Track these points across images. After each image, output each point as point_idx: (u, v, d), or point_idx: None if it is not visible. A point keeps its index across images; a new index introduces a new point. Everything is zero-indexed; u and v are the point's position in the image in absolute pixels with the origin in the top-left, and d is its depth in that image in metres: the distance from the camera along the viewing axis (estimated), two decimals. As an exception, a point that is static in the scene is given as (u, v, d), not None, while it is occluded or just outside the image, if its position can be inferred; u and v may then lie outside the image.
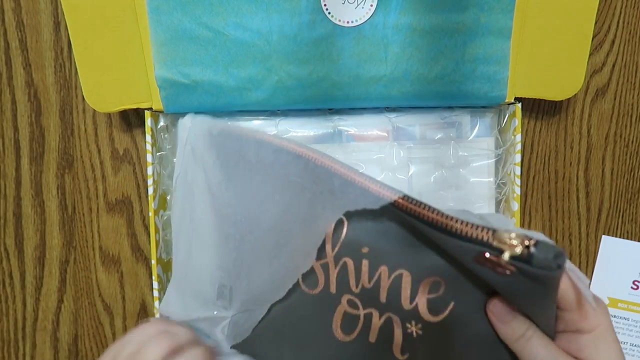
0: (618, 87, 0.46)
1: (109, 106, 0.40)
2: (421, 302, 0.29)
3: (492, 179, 0.43)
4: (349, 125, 0.43)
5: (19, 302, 0.47)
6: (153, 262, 0.41)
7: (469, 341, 0.30)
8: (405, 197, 0.28)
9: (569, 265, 0.26)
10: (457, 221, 0.26)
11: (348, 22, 0.36)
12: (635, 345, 0.47)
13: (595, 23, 0.39)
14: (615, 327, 0.46)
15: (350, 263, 0.31)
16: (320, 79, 0.37)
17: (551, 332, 0.29)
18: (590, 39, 0.38)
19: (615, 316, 0.46)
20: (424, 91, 0.38)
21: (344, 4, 0.36)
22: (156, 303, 0.42)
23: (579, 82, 0.40)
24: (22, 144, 0.46)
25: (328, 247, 0.31)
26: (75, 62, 0.39)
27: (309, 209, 0.31)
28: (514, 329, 0.29)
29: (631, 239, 0.47)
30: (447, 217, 0.26)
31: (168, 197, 0.44)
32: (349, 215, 0.30)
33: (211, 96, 0.38)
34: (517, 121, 0.41)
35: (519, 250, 0.24)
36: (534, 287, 0.26)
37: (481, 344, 0.30)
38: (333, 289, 0.31)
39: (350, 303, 0.31)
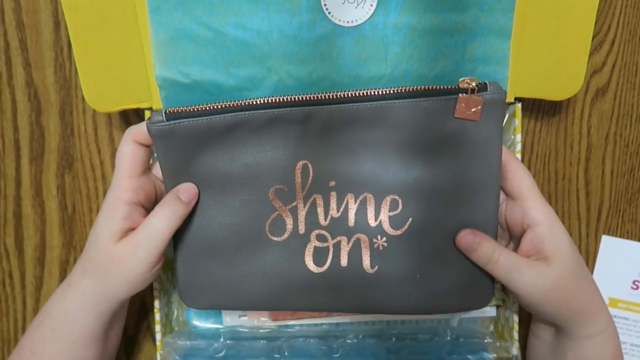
0: (618, 87, 0.46)
1: (109, 106, 0.40)
2: (384, 218, 0.36)
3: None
4: (349, 125, 0.43)
5: (19, 302, 0.47)
6: (153, 262, 0.41)
7: (430, 251, 0.37)
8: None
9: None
10: (431, 87, 0.34)
11: (348, 22, 0.36)
12: (635, 345, 0.47)
13: (595, 23, 0.39)
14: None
15: (319, 198, 0.36)
16: (320, 79, 0.37)
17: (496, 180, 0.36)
18: (590, 39, 0.38)
19: (615, 316, 0.46)
20: (424, 91, 0.39)
21: (344, 3, 0.36)
22: (156, 303, 0.42)
23: (579, 82, 0.40)
24: (22, 144, 0.46)
25: (298, 189, 0.36)
26: (75, 62, 0.39)
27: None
28: (483, 253, 0.34)
29: (631, 239, 0.47)
30: (424, 86, 0.34)
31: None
32: (314, 155, 0.36)
33: (211, 96, 0.38)
34: (517, 121, 0.41)
35: (475, 83, 0.33)
36: (490, 125, 0.34)
37: (438, 255, 0.37)
38: (302, 228, 0.37)
39: (319, 237, 0.37)
